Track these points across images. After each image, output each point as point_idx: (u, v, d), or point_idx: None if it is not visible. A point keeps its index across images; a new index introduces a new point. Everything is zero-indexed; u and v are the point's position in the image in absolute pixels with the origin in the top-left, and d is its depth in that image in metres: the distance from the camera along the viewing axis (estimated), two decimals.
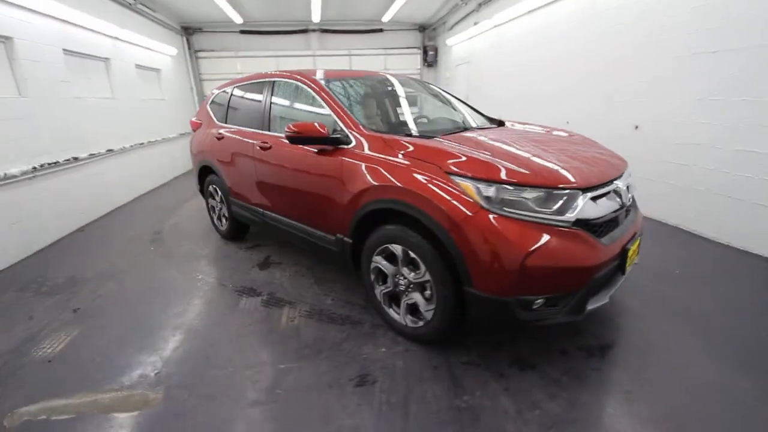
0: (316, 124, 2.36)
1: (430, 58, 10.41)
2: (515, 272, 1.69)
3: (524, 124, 3.07)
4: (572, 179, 1.82)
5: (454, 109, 3.27)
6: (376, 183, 2.13)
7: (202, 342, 2.34)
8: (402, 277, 2.16)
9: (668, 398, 1.80)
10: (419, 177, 1.94)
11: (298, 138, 2.42)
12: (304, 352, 2.21)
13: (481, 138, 2.35)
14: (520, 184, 1.76)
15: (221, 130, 3.66)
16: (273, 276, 3.22)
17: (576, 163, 2.03)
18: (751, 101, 3.04)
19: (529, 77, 6.33)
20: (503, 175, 1.78)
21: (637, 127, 4.15)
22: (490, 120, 3.22)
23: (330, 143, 2.41)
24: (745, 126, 3.09)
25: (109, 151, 5.35)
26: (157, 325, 2.53)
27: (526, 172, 1.81)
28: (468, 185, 1.80)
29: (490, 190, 1.76)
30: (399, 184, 2.00)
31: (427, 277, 2.00)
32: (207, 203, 4.27)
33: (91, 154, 4.89)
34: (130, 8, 6.42)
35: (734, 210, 3.28)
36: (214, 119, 3.91)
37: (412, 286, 2.13)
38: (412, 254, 2.04)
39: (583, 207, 1.78)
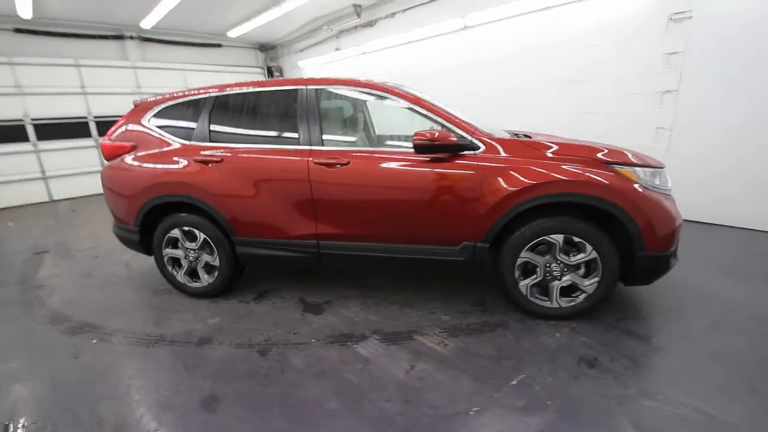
0: (443, 131, 2.30)
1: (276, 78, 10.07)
2: (674, 231, 2.25)
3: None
4: (662, 162, 2.54)
5: None
6: (534, 182, 2.27)
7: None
8: (558, 263, 2.38)
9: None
10: (585, 170, 2.25)
11: (429, 147, 2.28)
12: (501, 372, 2.09)
13: (559, 139, 2.81)
14: (653, 167, 2.34)
15: (208, 152, 2.74)
16: (340, 316, 2.69)
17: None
18: (606, 113, 4.74)
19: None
20: (648, 161, 2.33)
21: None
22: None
23: (459, 150, 2.36)
24: (603, 130, 4.75)
25: None
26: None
27: (652, 158, 2.41)
28: (629, 171, 2.25)
29: (646, 173, 2.27)
30: (568, 178, 2.24)
31: (593, 255, 2.31)
32: (159, 257, 3.01)
33: None
34: None
35: None
36: (178, 139, 2.86)
37: (567, 269, 2.39)
38: (577, 239, 2.31)
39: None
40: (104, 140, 3.07)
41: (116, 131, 3.04)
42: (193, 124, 2.87)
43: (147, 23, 7.21)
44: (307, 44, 9.06)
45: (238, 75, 9.61)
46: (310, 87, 2.67)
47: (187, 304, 2.98)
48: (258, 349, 2.35)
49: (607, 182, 2.22)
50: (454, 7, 6.04)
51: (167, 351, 2.37)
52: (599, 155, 2.31)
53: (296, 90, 2.69)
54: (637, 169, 2.28)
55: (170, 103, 2.95)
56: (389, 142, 2.74)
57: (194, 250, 2.92)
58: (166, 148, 2.87)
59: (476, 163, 2.36)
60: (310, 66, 9.15)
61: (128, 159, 2.92)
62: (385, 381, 2.01)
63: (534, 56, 5.34)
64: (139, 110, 3.02)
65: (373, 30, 7.48)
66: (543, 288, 2.47)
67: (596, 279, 2.35)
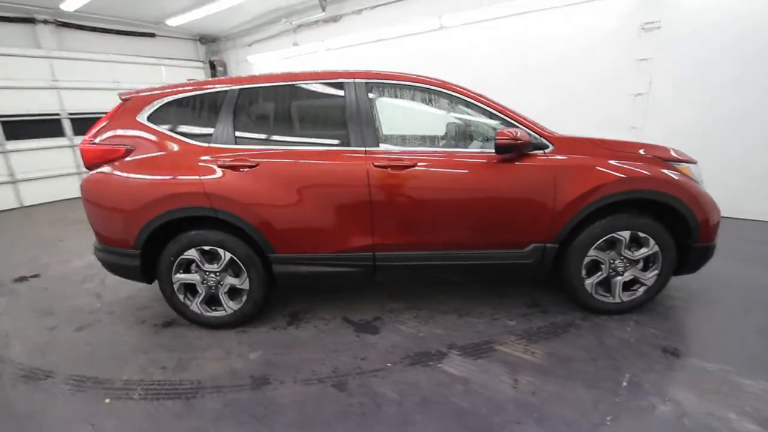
0: (522, 130, 2.21)
1: (220, 74, 9.18)
2: (719, 222, 2.43)
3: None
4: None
5: None
6: (606, 180, 2.27)
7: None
8: (621, 259, 2.43)
9: None
10: (651, 167, 2.31)
11: (510, 147, 2.17)
12: (605, 374, 2.05)
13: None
14: (695, 163, 2.49)
15: (236, 155, 2.30)
16: (401, 333, 2.45)
17: None
18: (582, 113, 5.09)
19: None
20: (690, 157, 2.47)
21: None
22: None
23: (533, 149, 2.29)
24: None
25: None
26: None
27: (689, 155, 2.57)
28: (685, 167, 2.37)
29: (695, 168, 2.41)
30: (640, 176, 2.28)
31: (655, 249, 2.39)
32: (167, 284, 2.46)
33: None
34: None
35: None
36: (192, 141, 2.37)
37: (628, 263, 2.44)
38: (642, 234, 2.37)
39: None
40: (85, 143, 2.42)
41: (102, 132, 2.42)
42: (211, 123, 2.40)
43: (69, 5, 6.02)
44: (258, 38, 8.39)
45: (175, 70, 8.56)
46: (359, 80, 2.38)
47: (207, 337, 2.49)
48: (332, 383, 2.02)
49: (674, 179, 2.31)
50: (425, 7, 6.02)
51: (218, 401, 1.93)
52: (658, 153, 2.40)
53: (342, 83, 2.39)
54: (690, 165, 2.41)
55: (175, 96, 2.43)
56: (443, 142, 2.56)
57: (216, 272, 2.44)
58: (177, 152, 2.36)
59: (548, 162, 2.30)
60: (263, 62, 8.48)
61: (124, 166, 2.35)
62: (500, 401, 1.85)
63: (513, 58, 5.53)
64: (131, 106, 2.44)
65: (337, 26, 7.16)
66: (605, 284, 2.50)
67: (656, 271, 2.44)
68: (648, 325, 2.43)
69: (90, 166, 2.42)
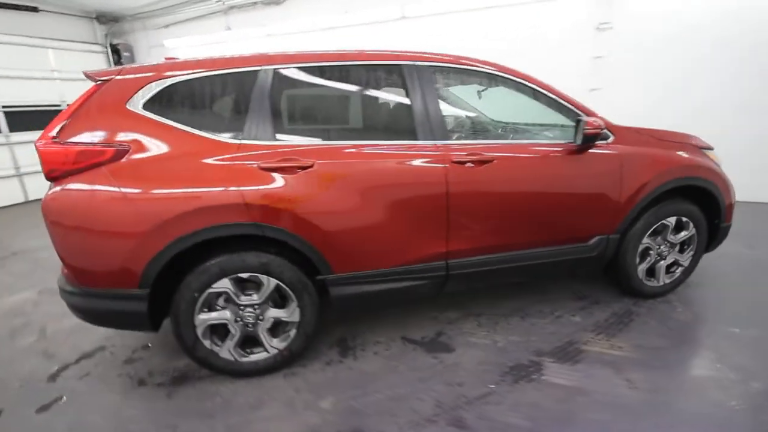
0: (599, 119, 2.12)
1: (126, 60, 7.66)
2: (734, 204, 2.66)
3: None
4: None
5: None
6: (664, 168, 2.32)
7: None
8: (666, 244, 2.52)
9: None
10: (696, 155, 2.43)
11: (593, 137, 2.07)
12: (700, 360, 2.09)
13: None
14: (712, 148, 2.70)
15: (276, 155, 1.80)
16: (479, 346, 2.21)
17: None
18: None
19: None
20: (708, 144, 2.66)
21: None
22: None
23: (603, 139, 2.21)
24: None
25: None
26: None
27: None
28: (711, 154, 2.54)
29: (715, 154, 2.60)
30: (690, 164, 2.37)
31: (693, 232, 2.53)
32: (187, 329, 1.83)
33: None
34: None
35: None
36: (214, 136, 1.79)
37: (671, 248, 2.55)
38: (685, 219, 2.48)
39: None
40: (46, 143, 1.66)
41: (74, 126, 1.68)
42: (239, 113, 1.84)
43: None
44: (179, 18, 7.17)
45: (67, 54, 6.89)
46: (420, 63, 2.04)
47: (246, 389, 1.93)
48: (446, 421, 1.70)
49: (712, 165, 2.45)
50: None
51: None
52: (693, 141, 2.53)
53: (400, 66, 2.02)
54: (713, 152, 2.60)
55: (182, 78, 1.80)
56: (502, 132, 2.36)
57: (255, 306, 1.90)
58: (196, 152, 1.75)
59: (614, 152, 2.26)
60: (186, 47, 7.29)
61: (119, 173, 1.66)
62: (631, 406, 1.74)
63: (475, 52, 5.57)
64: (114, 90, 1.74)
65: (280, 9, 6.45)
66: (650, 270, 2.58)
67: (692, 253, 2.59)
68: (691, 303, 2.57)
69: (55, 175, 1.66)
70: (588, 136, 2.03)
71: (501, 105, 2.46)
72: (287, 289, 1.91)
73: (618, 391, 1.84)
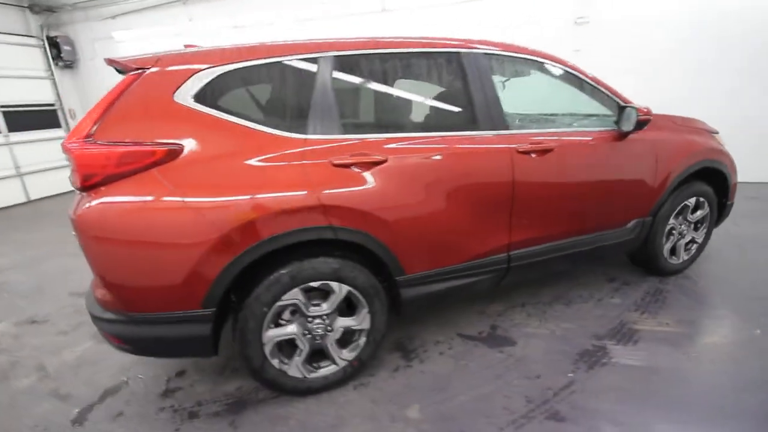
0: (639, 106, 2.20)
1: (66, 55, 6.81)
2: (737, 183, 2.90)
3: None
4: None
5: None
6: (691, 151, 2.46)
7: None
8: (685, 223, 2.68)
9: None
10: (711, 139, 2.60)
11: (644, 123, 2.14)
12: (745, 325, 2.24)
13: None
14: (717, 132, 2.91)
15: (346, 150, 1.65)
16: (538, 337, 2.20)
17: None
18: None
19: None
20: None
21: None
22: None
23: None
24: None
25: None
26: None
27: None
28: (717, 137, 2.73)
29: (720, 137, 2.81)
30: (710, 147, 2.54)
31: (707, 210, 2.71)
32: (255, 349, 1.63)
33: None
34: None
35: None
36: (276, 131, 1.59)
37: (689, 226, 2.72)
38: (701, 199, 2.65)
39: None
40: (79, 145, 1.37)
41: (112, 124, 1.42)
42: (301, 104, 1.66)
43: None
44: (128, 8, 6.49)
45: None
46: (477, 50, 1.97)
47: (318, 407, 1.77)
48: (544, 415, 1.66)
49: (724, 149, 2.64)
50: None
51: None
52: (706, 126, 2.70)
53: (458, 53, 1.94)
54: (719, 135, 2.80)
55: (235, 66, 1.58)
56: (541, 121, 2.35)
57: (324, 316, 1.74)
58: (261, 148, 1.55)
59: (650, 138, 2.34)
60: (140, 40, 6.63)
61: (177, 176, 1.43)
62: (704, 379, 1.82)
63: None
64: (158, 80, 1.49)
65: None
66: (671, 248, 2.74)
67: (705, 230, 2.79)
68: (708, 277, 2.77)
69: (93, 181, 1.39)
70: (641, 122, 2.09)
71: (519, 95, 2.45)
72: (358, 295, 1.77)
73: (684, 366, 1.92)
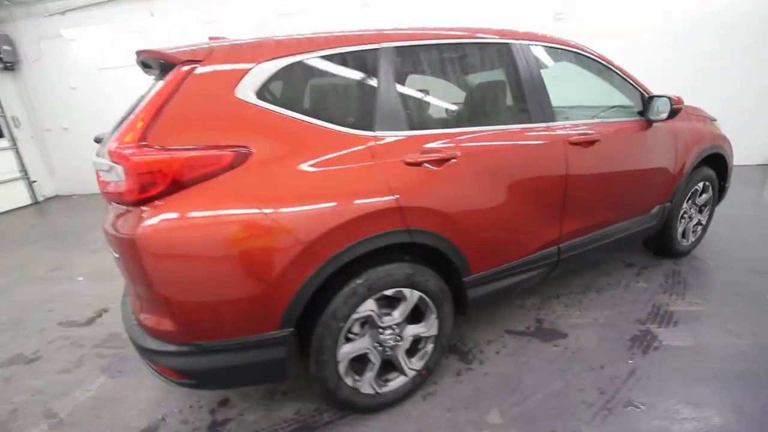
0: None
1: (6, 55, 6.04)
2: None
3: None
4: None
5: None
6: (704, 137, 2.61)
7: None
8: (694, 207, 2.84)
9: None
10: (713, 124, 2.75)
11: (675, 112, 2.21)
12: (751, 302, 2.39)
13: None
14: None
15: (417, 148, 1.55)
16: (584, 328, 2.22)
17: None
18: None
19: None
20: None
21: None
22: None
23: None
24: None
25: None
26: None
27: None
28: (716, 124, 2.90)
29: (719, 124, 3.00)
30: (716, 134, 2.69)
31: (711, 194, 2.89)
32: (331, 369, 1.49)
33: None
34: None
35: None
36: (341, 128, 1.46)
37: (696, 210, 2.89)
38: (707, 183, 2.82)
39: None
40: (139, 152, 1.17)
41: (170, 126, 1.22)
42: (365, 98, 1.54)
43: None
44: (79, 3, 5.87)
45: None
46: (524, 42, 1.93)
47: (392, 425, 1.67)
48: (621, 404, 1.67)
49: (725, 135, 2.82)
50: None
51: None
52: (707, 114, 2.87)
53: (508, 44, 1.89)
54: (717, 122, 2.99)
55: (297, 58, 1.43)
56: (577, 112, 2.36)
57: (395, 326, 1.64)
58: (331, 148, 1.42)
59: (670, 127, 2.44)
60: (95, 38, 6.01)
61: (245, 184, 1.26)
62: (750, 352, 1.92)
63: None
64: (213, 75, 1.30)
65: None
66: (682, 231, 2.88)
67: (708, 212, 2.97)
68: (714, 256, 2.94)
69: (152, 192, 1.19)
70: (674, 111, 2.17)
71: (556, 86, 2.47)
72: (428, 300, 1.68)
73: (730, 341, 2.01)
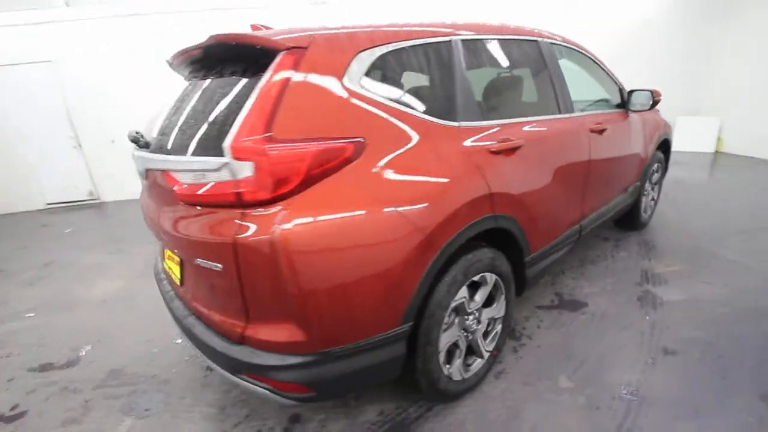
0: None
1: None
2: None
3: None
4: None
5: None
6: (662, 126, 3.09)
7: None
8: (650, 184, 3.35)
9: None
10: (660, 115, 3.28)
11: (656, 103, 2.59)
12: (722, 262, 2.91)
13: None
14: None
15: (493, 137, 1.63)
16: (602, 297, 2.51)
17: None
18: None
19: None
20: None
21: None
22: None
23: None
24: None
25: None
26: None
27: None
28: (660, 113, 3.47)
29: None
30: (667, 121, 3.20)
31: (660, 171, 3.44)
32: (434, 360, 1.49)
33: None
34: None
35: None
36: (440, 122, 1.48)
37: (652, 186, 3.42)
38: (658, 164, 3.35)
39: None
40: (272, 147, 1.04)
41: (290, 118, 1.11)
42: (446, 89, 1.55)
43: None
44: None
45: None
46: (545, 40, 2.11)
47: (477, 407, 1.72)
48: (660, 351, 1.94)
49: (667, 122, 3.37)
50: None
51: None
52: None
53: (537, 42, 2.05)
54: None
55: (391, 46, 1.39)
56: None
57: (476, 310, 1.70)
58: (432, 140, 1.42)
59: (639, 117, 2.85)
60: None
61: (369, 177, 1.21)
62: (726, 299, 2.35)
63: None
64: (319, 59, 1.22)
65: None
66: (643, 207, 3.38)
67: (658, 189, 3.54)
68: (667, 227, 3.50)
69: (285, 189, 1.08)
70: (656, 102, 2.54)
71: None
72: (500, 282, 1.76)
73: (713, 291, 2.44)
